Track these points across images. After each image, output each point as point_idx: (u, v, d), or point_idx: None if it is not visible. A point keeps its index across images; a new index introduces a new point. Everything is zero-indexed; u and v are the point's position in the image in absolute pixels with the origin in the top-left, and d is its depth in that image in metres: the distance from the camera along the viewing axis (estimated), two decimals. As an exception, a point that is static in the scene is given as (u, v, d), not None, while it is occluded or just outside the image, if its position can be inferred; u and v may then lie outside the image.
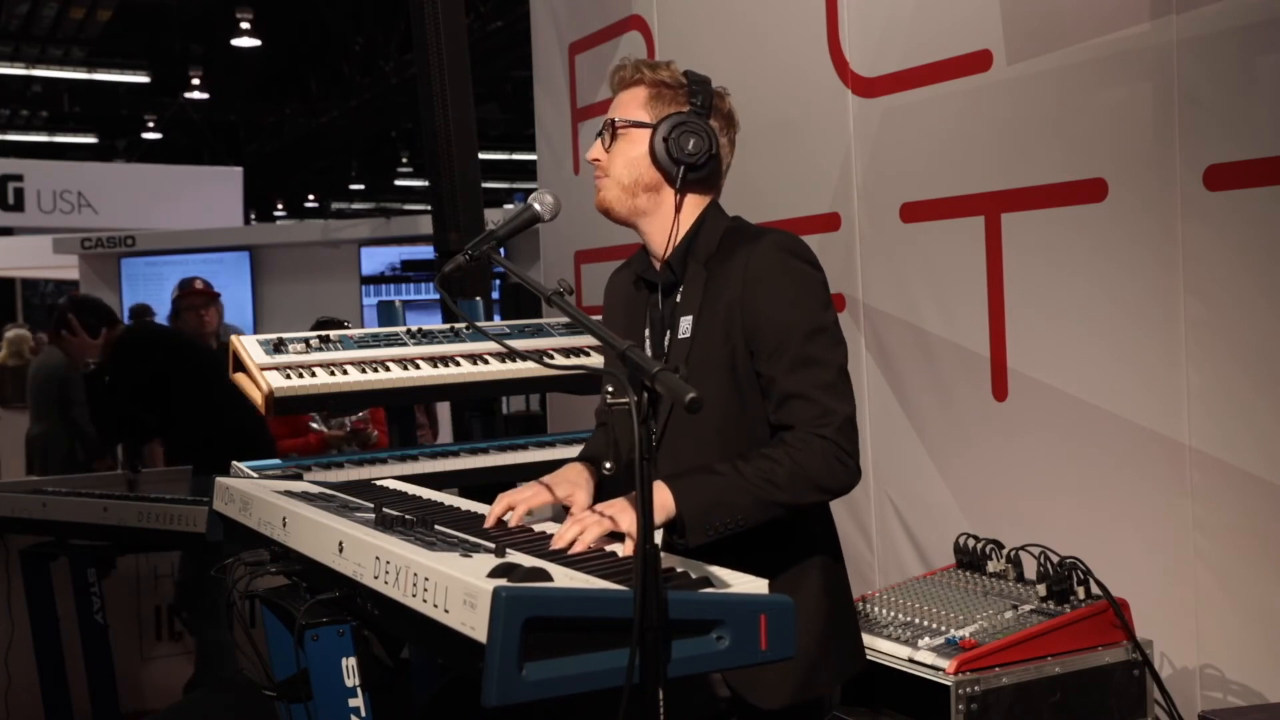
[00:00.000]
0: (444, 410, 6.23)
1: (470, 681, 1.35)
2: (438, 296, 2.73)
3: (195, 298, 5.95)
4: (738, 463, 1.86)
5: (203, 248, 11.91)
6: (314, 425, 5.63)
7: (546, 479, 2.06)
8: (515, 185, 18.48)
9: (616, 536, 1.82)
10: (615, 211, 2.09)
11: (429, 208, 5.25)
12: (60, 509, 3.72)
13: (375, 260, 11.96)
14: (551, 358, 3.15)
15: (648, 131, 2.03)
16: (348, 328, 3.91)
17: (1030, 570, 2.48)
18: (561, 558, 1.68)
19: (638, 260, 2.17)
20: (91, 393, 4.53)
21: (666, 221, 2.06)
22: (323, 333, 3.11)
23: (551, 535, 1.86)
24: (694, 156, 2.00)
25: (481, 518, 2.01)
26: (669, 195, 2.05)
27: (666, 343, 2.05)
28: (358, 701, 1.96)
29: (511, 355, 2.98)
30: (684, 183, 2.03)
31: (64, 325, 4.40)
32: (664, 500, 1.79)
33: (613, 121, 2.07)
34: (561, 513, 2.03)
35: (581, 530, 1.78)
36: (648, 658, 1.40)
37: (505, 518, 1.98)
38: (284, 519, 1.97)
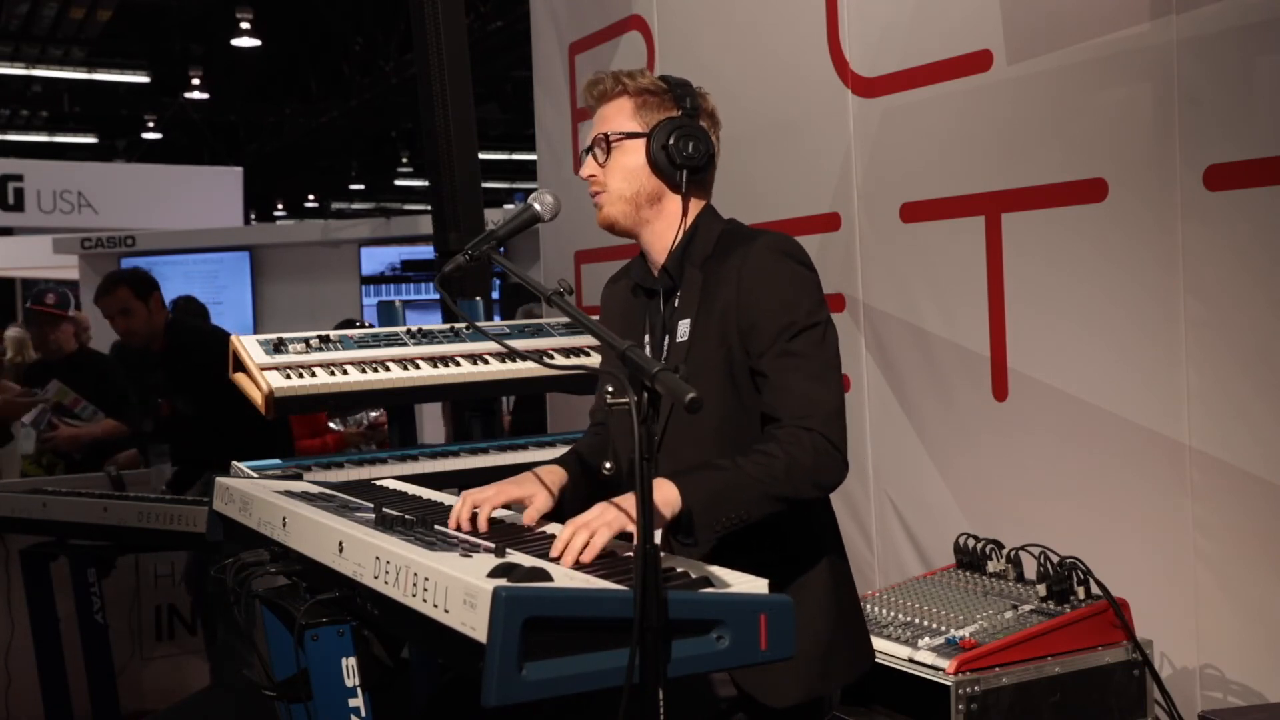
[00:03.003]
0: (433, 410, 6.23)
1: (470, 681, 1.35)
2: (438, 296, 2.73)
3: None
4: (737, 458, 1.85)
5: (203, 248, 11.89)
6: (332, 425, 5.63)
7: (511, 478, 2.04)
8: (515, 185, 18.49)
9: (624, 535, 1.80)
10: (620, 225, 2.07)
11: (429, 208, 5.25)
12: (60, 509, 3.72)
13: (375, 260, 11.94)
14: (551, 358, 3.15)
15: (642, 141, 2.02)
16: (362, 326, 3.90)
17: (1030, 570, 2.48)
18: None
19: (635, 267, 2.17)
20: (143, 380, 4.48)
21: (669, 228, 2.06)
22: (323, 333, 3.12)
23: (551, 536, 1.86)
24: (695, 159, 2.00)
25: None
26: (671, 202, 2.05)
27: (665, 347, 2.05)
28: (358, 701, 1.96)
29: (511, 355, 2.99)
30: (686, 186, 2.03)
31: (158, 292, 4.34)
32: (670, 496, 1.76)
33: (606, 136, 2.05)
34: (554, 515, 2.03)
35: (590, 535, 1.69)
36: (648, 658, 1.40)
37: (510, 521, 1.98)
38: (284, 519, 1.97)
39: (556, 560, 1.66)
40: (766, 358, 1.93)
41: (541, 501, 2.00)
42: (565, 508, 2.02)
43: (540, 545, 1.77)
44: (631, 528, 1.68)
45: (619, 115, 2.05)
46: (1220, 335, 2.50)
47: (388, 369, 2.98)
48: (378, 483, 2.53)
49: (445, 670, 2.58)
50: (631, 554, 1.56)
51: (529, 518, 1.97)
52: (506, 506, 2.02)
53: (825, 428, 1.89)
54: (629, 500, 1.72)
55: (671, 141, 2.00)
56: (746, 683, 1.93)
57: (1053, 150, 2.85)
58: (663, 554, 1.58)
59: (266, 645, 2.19)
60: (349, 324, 5.66)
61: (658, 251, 2.09)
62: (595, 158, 2.06)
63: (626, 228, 2.08)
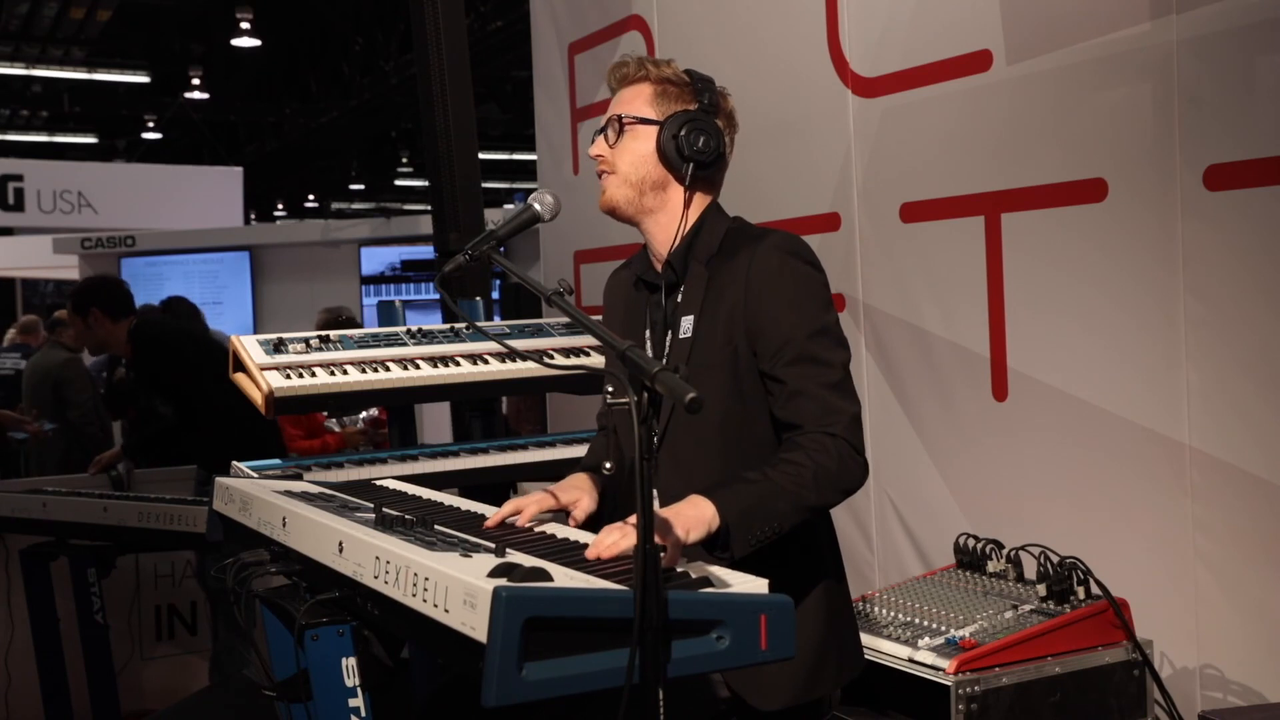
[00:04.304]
0: (437, 410, 6.21)
1: (470, 681, 1.35)
2: (438, 296, 2.73)
3: None
4: (765, 469, 1.85)
5: (203, 248, 11.89)
6: (330, 425, 5.63)
7: (552, 486, 2.07)
8: (515, 185, 18.47)
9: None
10: (621, 210, 2.07)
11: (429, 208, 5.25)
12: (60, 509, 3.72)
13: (375, 260, 11.93)
14: (551, 358, 3.15)
15: (654, 129, 2.02)
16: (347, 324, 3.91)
17: (1030, 570, 2.48)
18: (563, 558, 1.68)
19: (638, 261, 2.17)
20: (121, 391, 4.52)
21: (672, 220, 2.06)
22: (323, 333, 3.12)
23: (551, 536, 1.86)
24: (704, 154, 2.00)
25: (482, 517, 2.01)
26: (675, 193, 2.05)
27: (668, 343, 2.05)
28: (358, 701, 1.96)
29: (511, 355, 2.98)
30: (691, 180, 2.02)
31: (97, 307, 4.35)
32: (706, 513, 1.76)
33: (619, 117, 2.05)
34: (563, 518, 2.04)
35: (621, 536, 1.69)
36: (648, 658, 1.40)
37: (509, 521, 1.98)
38: (284, 519, 1.96)
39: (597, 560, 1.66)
40: (780, 363, 1.93)
41: (586, 506, 2.03)
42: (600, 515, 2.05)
43: (540, 545, 1.77)
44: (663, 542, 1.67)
45: (637, 99, 2.05)
46: (1220, 335, 2.50)
47: (388, 369, 2.98)
48: (378, 483, 2.53)
49: (445, 670, 2.58)
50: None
51: (575, 521, 2.00)
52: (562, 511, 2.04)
53: (848, 433, 1.90)
54: (680, 516, 1.72)
55: (682, 133, 2.00)
56: (737, 684, 1.94)
57: (1052, 150, 2.85)
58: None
59: (266, 645, 2.19)
60: (336, 317, 5.67)
61: (659, 244, 2.08)
62: (606, 138, 2.06)
63: (628, 214, 2.07)
